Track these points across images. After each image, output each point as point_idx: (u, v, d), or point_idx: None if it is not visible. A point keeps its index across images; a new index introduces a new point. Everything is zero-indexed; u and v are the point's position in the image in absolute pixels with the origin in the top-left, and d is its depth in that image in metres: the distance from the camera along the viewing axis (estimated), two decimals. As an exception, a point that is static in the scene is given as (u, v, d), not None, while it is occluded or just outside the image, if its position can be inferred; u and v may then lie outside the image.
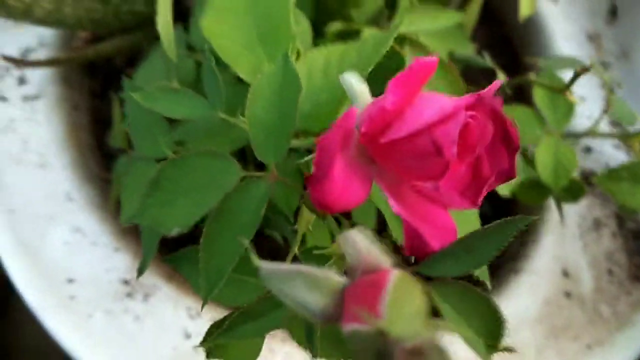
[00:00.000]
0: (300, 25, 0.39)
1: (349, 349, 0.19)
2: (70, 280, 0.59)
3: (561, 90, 0.38)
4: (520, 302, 0.59)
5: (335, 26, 0.43)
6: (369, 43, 0.32)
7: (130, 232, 0.64)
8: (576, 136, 0.46)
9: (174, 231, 0.26)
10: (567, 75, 0.65)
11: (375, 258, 0.18)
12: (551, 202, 0.58)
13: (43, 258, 0.59)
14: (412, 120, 0.21)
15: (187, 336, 0.58)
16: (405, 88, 0.22)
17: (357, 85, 0.24)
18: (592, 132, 0.43)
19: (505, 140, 0.24)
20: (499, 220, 0.22)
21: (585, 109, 0.65)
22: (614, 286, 0.60)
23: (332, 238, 0.31)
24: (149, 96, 0.30)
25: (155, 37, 0.68)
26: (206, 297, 0.23)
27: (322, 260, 0.28)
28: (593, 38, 0.70)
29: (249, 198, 0.24)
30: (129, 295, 0.59)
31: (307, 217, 0.28)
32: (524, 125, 0.41)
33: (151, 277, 0.60)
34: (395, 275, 0.17)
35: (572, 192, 0.45)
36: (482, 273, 0.34)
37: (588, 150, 0.65)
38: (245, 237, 0.23)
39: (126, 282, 0.60)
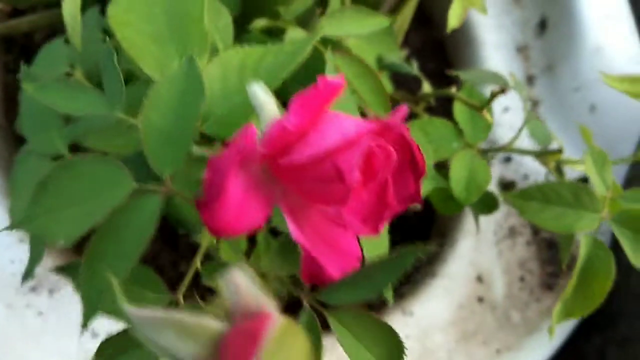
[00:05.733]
0: (221, 20, 0.38)
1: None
2: (-32, 271, 0.55)
3: (479, 108, 0.38)
4: (435, 305, 0.60)
5: (260, 23, 0.42)
6: (287, 48, 0.31)
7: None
8: (494, 150, 0.47)
9: (59, 243, 0.24)
10: (488, 88, 0.67)
11: (257, 301, 0.17)
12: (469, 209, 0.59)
13: (-62, 245, 0.55)
14: (315, 144, 0.20)
15: (94, 335, 0.55)
16: (308, 109, 0.20)
17: (262, 96, 0.23)
18: (509, 148, 0.44)
19: (412, 165, 0.23)
20: (399, 249, 0.22)
21: (508, 118, 0.67)
22: (525, 293, 0.62)
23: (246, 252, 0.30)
24: (42, 88, 0.27)
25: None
26: (86, 320, 0.22)
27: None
28: (521, 49, 0.72)
29: (138, 214, 0.22)
30: (33, 289, 0.56)
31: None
32: (442, 138, 0.41)
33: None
34: (275, 324, 0.16)
35: (486, 204, 0.45)
36: (385, 290, 0.33)
37: (507, 160, 0.66)
38: (131, 256, 0.21)
39: (30, 275, 0.56)
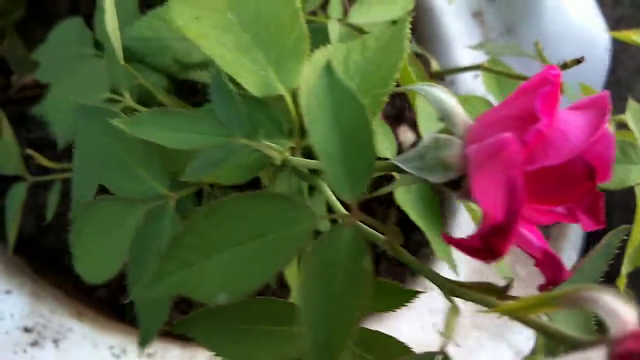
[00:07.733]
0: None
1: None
2: (-47, 341, 0.47)
3: (520, 78, 0.38)
4: (451, 274, 0.61)
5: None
6: (370, 43, 0.29)
7: (22, 271, 0.53)
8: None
9: (221, 298, 0.21)
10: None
11: (633, 322, 0.15)
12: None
13: None
14: (563, 144, 0.19)
15: (123, 351, 0.50)
16: (552, 107, 0.19)
17: (449, 101, 0.21)
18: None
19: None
20: (605, 237, 0.21)
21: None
22: (524, 247, 0.65)
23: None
24: (137, 123, 0.23)
25: (18, 23, 0.56)
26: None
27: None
28: (476, 15, 0.74)
29: (336, 249, 0.19)
30: (35, 343, 0.49)
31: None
32: (481, 111, 0.41)
33: (57, 318, 0.51)
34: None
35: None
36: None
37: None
38: (353, 295, 0.18)
39: (27, 330, 0.50)
